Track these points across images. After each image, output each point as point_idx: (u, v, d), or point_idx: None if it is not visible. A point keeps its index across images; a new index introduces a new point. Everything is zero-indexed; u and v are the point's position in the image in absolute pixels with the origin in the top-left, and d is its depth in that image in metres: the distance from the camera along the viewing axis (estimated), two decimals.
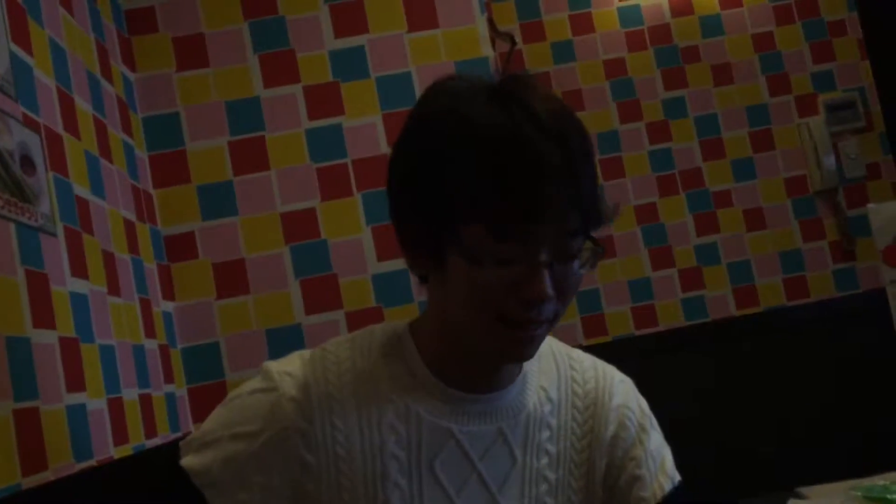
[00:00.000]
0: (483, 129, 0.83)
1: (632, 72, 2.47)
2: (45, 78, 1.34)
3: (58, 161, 1.33)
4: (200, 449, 0.93)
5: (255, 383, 0.94)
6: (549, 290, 0.83)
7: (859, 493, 1.19)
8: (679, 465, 1.06)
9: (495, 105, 0.84)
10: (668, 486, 1.01)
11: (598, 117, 2.44)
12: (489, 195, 0.81)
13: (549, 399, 1.00)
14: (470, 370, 0.95)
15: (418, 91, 1.96)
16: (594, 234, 0.87)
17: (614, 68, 2.47)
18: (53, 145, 1.32)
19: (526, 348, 0.90)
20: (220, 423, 0.93)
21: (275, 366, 0.94)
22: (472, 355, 0.93)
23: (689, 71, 2.49)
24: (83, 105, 1.50)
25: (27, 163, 1.20)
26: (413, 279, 1.77)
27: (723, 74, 2.49)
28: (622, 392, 1.05)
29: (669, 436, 1.09)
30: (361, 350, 0.96)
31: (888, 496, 1.15)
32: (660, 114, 2.47)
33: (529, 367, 1.01)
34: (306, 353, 0.96)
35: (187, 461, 0.92)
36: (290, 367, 0.93)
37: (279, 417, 0.90)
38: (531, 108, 0.83)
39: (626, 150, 2.45)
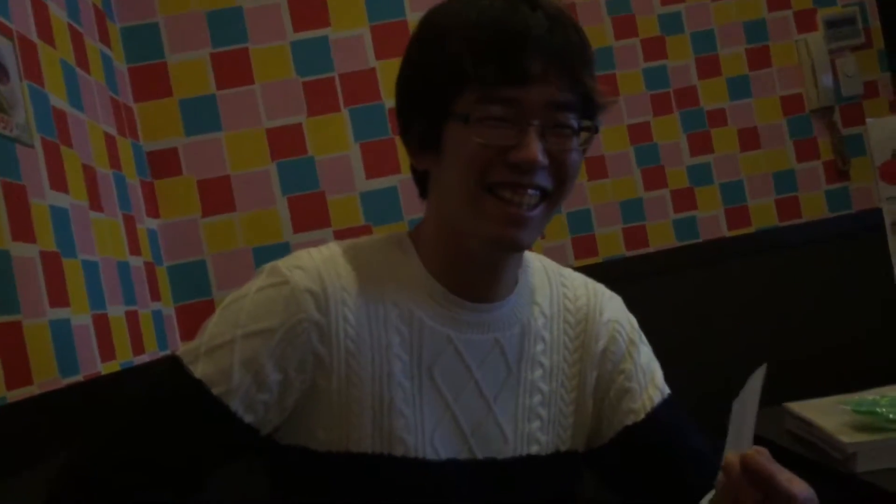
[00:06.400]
0: (482, 7, 0.87)
1: None
2: None
3: (32, 69, 1.27)
4: (210, 354, 0.86)
5: (260, 281, 0.91)
6: (540, 156, 0.86)
7: (848, 408, 1.20)
8: (669, 384, 1.06)
9: None
10: (657, 399, 1.02)
11: (592, 32, 2.32)
12: (478, 62, 0.85)
13: (543, 313, 1.01)
14: (468, 274, 0.95)
15: (408, 2, 1.90)
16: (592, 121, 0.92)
17: None
18: (27, 53, 1.26)
19: (518, 230, 0.89)
20: (228, 325, 0.88)
21: (282, 262, 0.92)
22: (469, 256, 0.93)
23: None
24: (58, 12, 1.43)
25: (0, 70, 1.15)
26: (403, 197, 1.75)
27: None
28: (612, 308, 1.07)
29: (659, 355, 1.09)
30: (364, 251, 0.95)
31: (877, 409, 1.16)
32: (656, 29, 2.41)
33: (524, 282, 1.01)
34: (312, 249, 0.94)
35: (202, 370, 0.85)
36: (299, 262, 0.92)
37: (294, 310, 0.88)
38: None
39: (621, 67, 2.39)
